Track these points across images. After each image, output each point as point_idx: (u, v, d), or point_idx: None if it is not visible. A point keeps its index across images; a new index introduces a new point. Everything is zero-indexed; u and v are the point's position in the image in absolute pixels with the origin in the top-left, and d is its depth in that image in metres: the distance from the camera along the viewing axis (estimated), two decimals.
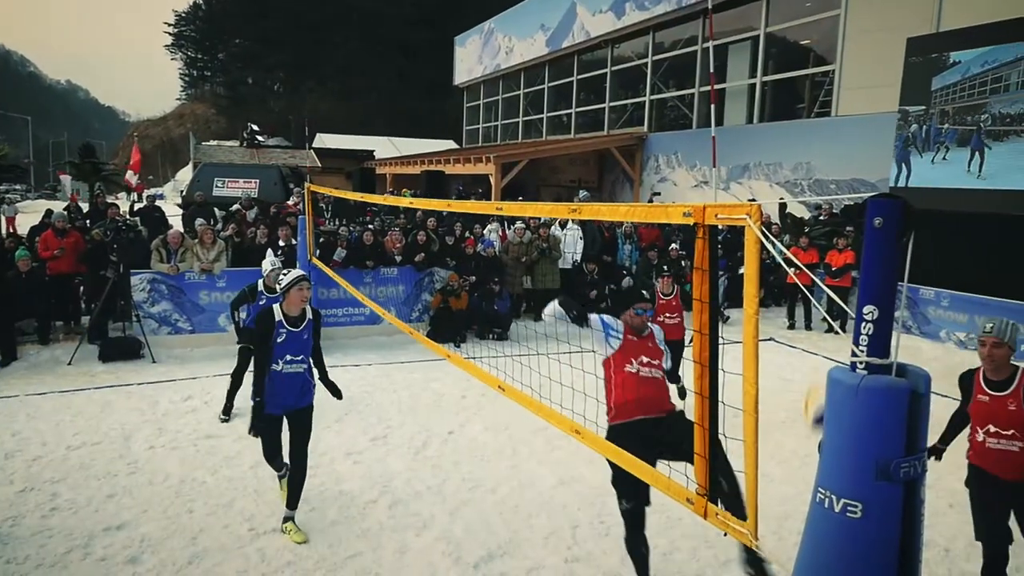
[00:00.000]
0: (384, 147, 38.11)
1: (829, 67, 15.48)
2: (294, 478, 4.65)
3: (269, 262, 6.78)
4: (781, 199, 15.81)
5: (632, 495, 3.72)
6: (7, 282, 8.70)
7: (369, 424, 6.72)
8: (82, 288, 9.83)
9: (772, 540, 4.47)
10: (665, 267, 7.22)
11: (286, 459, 4.76)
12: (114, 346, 8.81)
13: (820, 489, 2.20)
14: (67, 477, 5.43)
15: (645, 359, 3.91)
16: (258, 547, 4.44)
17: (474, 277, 10.63)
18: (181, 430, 6.48)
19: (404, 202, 8.03)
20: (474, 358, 5.11)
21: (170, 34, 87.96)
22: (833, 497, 2.15)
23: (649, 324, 4.10)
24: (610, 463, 3.57)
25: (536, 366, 4.80)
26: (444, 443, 6.31)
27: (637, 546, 3.84)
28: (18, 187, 46.78)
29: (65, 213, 10.27)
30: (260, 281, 6.64)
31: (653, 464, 3.39)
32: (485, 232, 12.14)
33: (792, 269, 9.42)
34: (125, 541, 4.49)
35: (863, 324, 2.16)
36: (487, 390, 7.17)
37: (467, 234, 11.71)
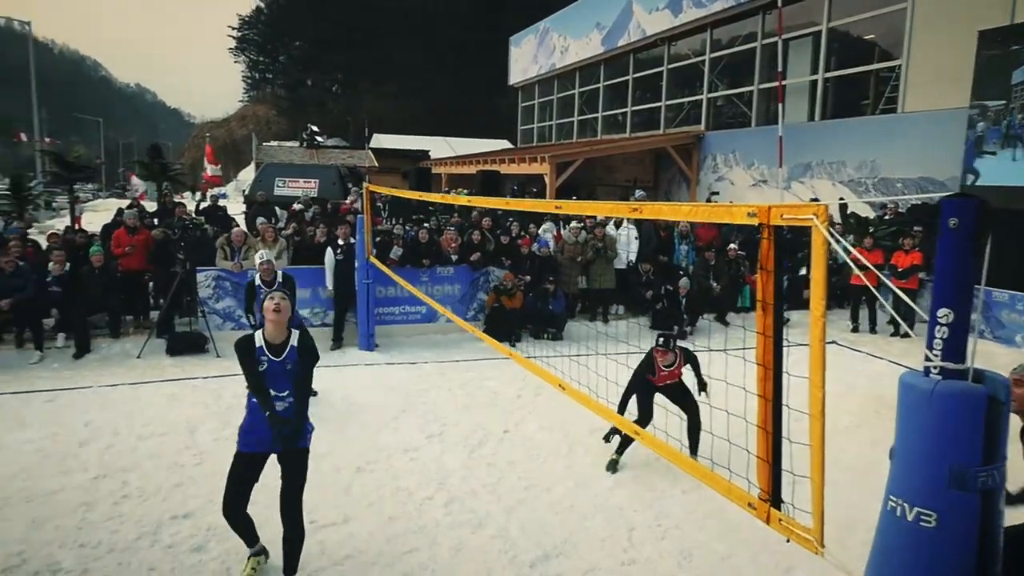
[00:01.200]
0: (439, 147, 38.41)
1: (895, 62, 14.97)
2: (290, 540, 3.93)
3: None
4: (841, 199, 15.36)
5: None
6: (81, 277, 9.09)
7: (425, 421, 6.79)
8: (151, 284, 10.20)
9: (836, 547, 4.34)
10: (661, 339, 5.54)
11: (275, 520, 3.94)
12: (181, 340, 9.13)
13: (891, 497, 2.14)
14: (137, 466, 5.65)
15: None
16: (319, 539, 4.52)
17: (529, 276, 10.63)
18: None
19: (463, 200, 8.06)
20: (532, 357, 5.11)
21: (234, 38, 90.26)
22: (905, 506, 2.08)
23: None
24: None
25: (594, 366, 4.78)
26: (500, 441, 6.34)
27: None
28: (90, 186, 48.66)
29: (136, 212, 10.66)
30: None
31: None
32: (540, 231, 12.13)
33: (860, 270, 9.12)
34: (191, 529, 4.65)
35: (937, 328, 2.09)
36: (542, 389, 7.18)
37: (522, 233, 11.72)
